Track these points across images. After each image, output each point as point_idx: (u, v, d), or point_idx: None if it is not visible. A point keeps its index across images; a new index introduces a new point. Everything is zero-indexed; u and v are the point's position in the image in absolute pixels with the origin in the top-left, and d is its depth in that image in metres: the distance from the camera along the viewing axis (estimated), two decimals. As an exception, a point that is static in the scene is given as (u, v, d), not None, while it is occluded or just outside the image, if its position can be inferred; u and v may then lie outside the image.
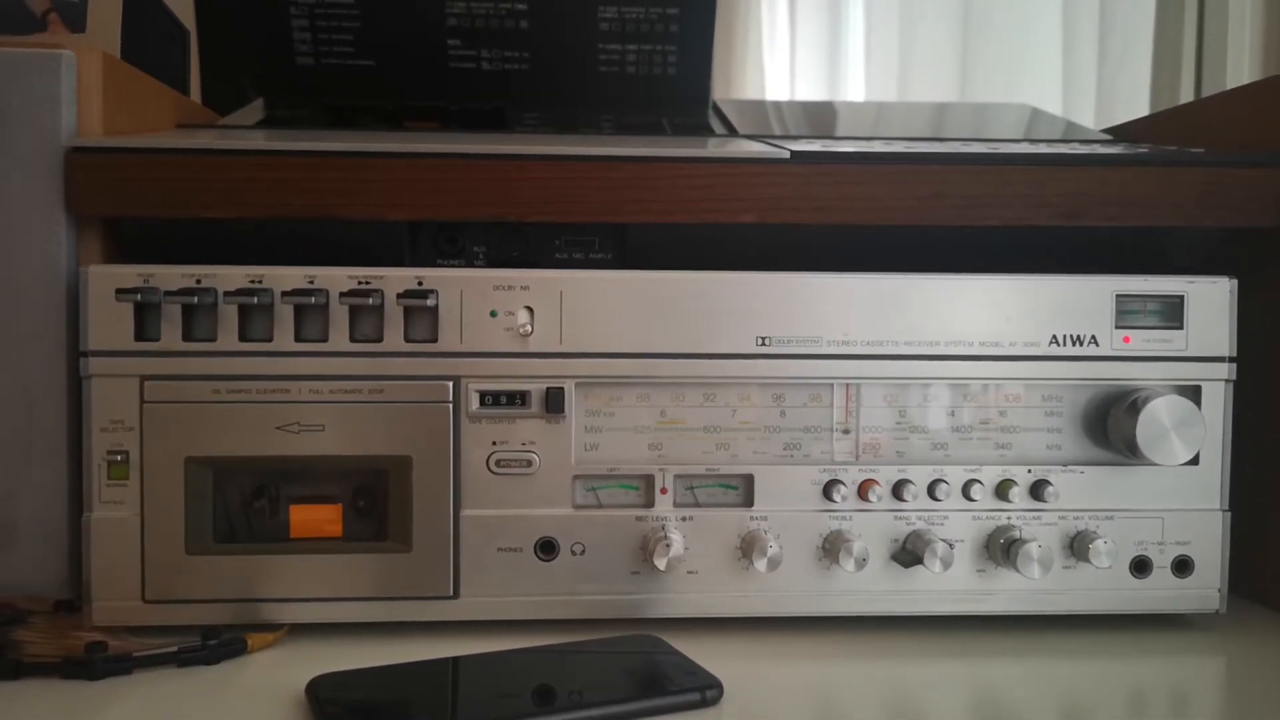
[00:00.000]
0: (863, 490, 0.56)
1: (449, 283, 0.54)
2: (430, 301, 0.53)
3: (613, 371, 0.55)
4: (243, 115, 0.78)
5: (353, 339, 0.54)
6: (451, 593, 0.54)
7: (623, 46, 0.85)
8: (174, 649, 0.50)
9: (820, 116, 0.98)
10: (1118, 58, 1.26)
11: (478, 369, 0.54)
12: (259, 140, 0.61)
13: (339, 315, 0.54)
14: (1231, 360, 0.57)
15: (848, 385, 0.56)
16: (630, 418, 0.56)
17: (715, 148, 0.59)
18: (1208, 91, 1.20)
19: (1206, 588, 0.57)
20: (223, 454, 0.53)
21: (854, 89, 1.34)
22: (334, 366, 0.54)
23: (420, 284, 0.54)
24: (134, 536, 0.53)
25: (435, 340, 0.54)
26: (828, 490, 0.56)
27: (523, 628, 0.54)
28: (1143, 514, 0.57)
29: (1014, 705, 0.48)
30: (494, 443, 0.54)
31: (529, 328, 0.54)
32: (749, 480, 0.56)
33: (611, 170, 0.56)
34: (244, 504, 0.55)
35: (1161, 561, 0.57)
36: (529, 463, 0.55)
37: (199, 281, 0.53)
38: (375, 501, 0.55)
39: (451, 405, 0.54)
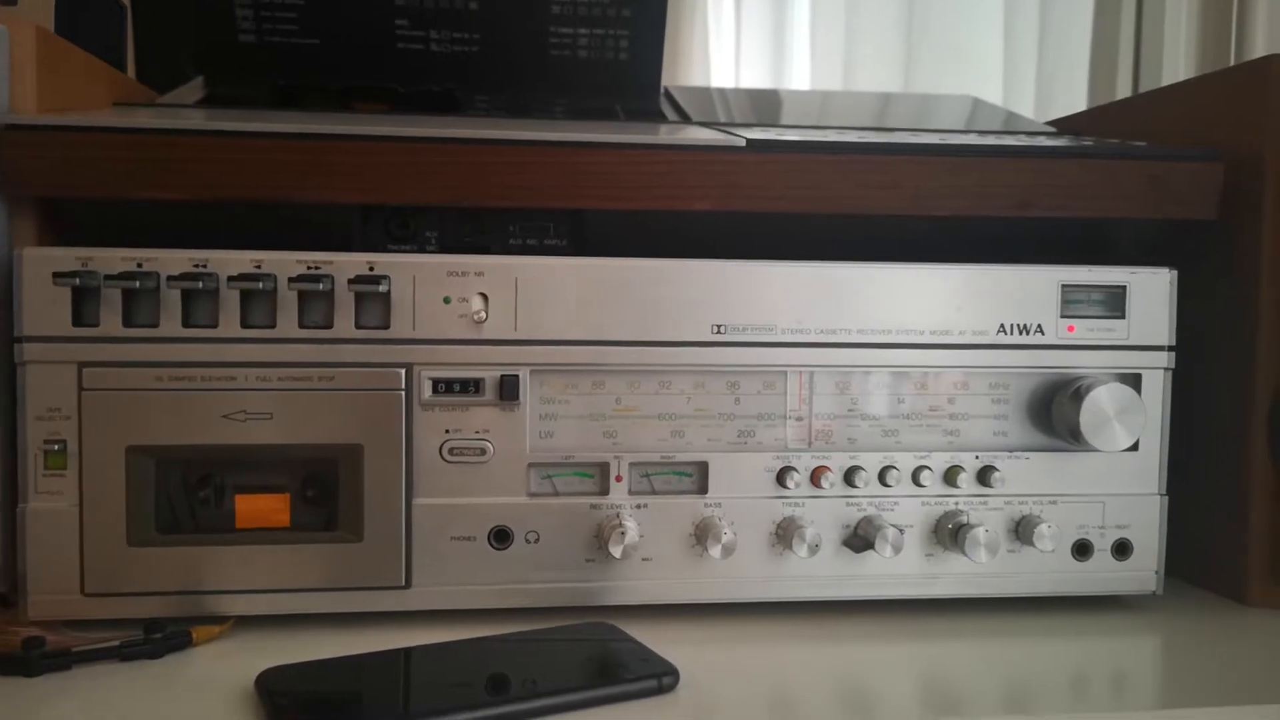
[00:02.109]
0: (815, 477, 0.56)
1: (402, 268, 0.53)
2: (382, 287, 0.52)
3: (568, 359, 0.55)
4: (182, 94, 0.76)
5: (302, 325, 0.53)
6: (404, 582, 0.54)
7: (574, 30, 0.84)
8: (116, 643, 0.49)
9: (768, 104, 0.98)
10: (1056, 51, 1.29)
11: (431, 356, 0.53)
12: (202, 120, 0.59)
13: (287, 301, 0.52)
14: (1171, 349, 0.58)
15: (801, 373, 0.57)
16: (585, 405, 0.56)
17: (672, 134, 0.59)
18: (1145, 87, 1.23)
19: (1144, 570, 0.59)
20: (166, 443, 0.52)
21: (799, 78, 1.34)
22: (282, 353, 0.53)
23: (372, 269, 0.53)
24: (72, 528, 0.51)
25: (387, 327, 0.53)
26: (781, 477, 0.56)
27: (477, 617, 0.54)
28: (1085, 499, 0.58)
29: (961, 686, 0.49)
30: (447, 431, 0.54)
31: (483, 314, 0.53)
32: (703, 467, 0.56)
33: (571, 156, 0.55)
34: (188, 494, 0.53)
35: (1102, 545, 0.58)
36: (483, 451, 0.54)
37: (140, 265, 0.51)
38: (325, 491, 0.54)
39: (404, 393, 0.53)
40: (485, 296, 0.54)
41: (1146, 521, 0.58)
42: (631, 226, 0.59)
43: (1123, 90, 1.24)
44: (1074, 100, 1.29)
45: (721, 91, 1.01)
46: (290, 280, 0.52)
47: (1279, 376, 0.58)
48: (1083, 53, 1.28)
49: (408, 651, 0.49)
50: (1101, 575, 0.58)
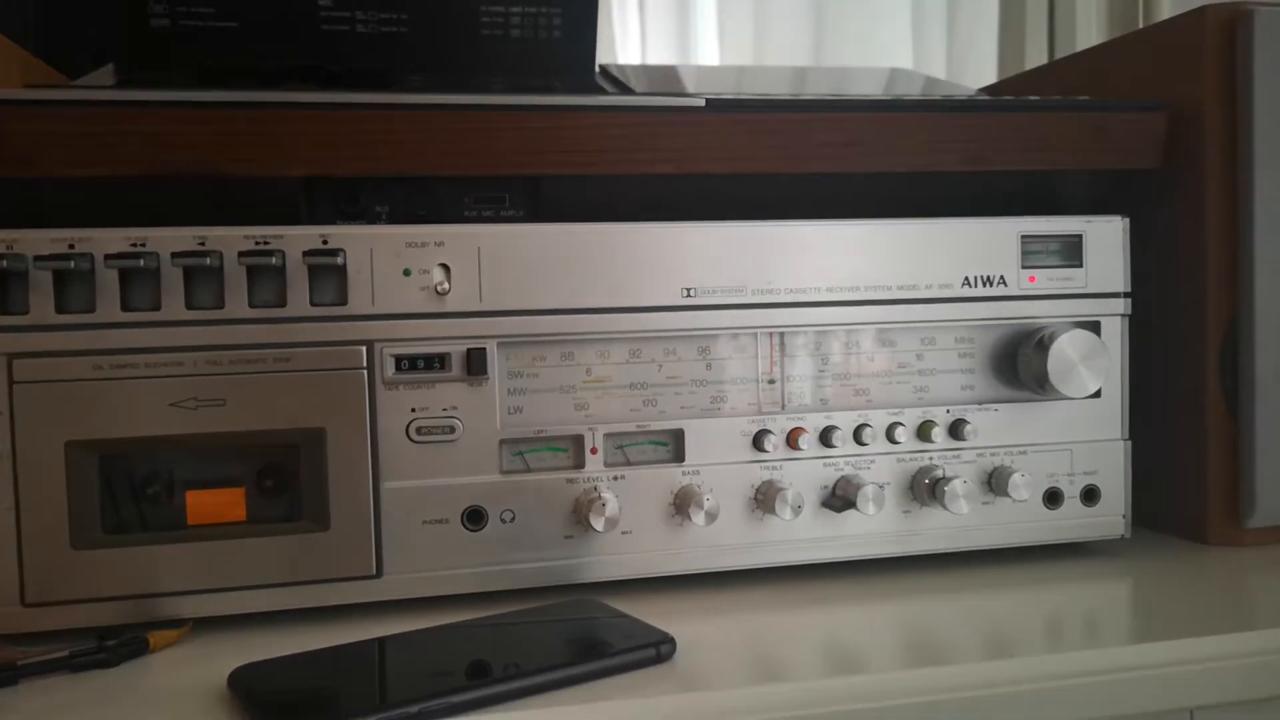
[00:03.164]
0: (792, 439, 0.56)
1: (357, 240, 0.51)
2: (338, 260, 0.50)
3: (535, 329, 0.53)
4: (96, 78, 0.71)
5: (252, 304, 0.50)
6: (374, 572, 0.51)
7: (506, 9, 0.82)
8: (65, 653, 0.45)
9: (693, 80, 0.97)
10: (967, 26, 1.31)
11: (392, 332, 0.51)
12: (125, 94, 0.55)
13: (236, 278, 0.49)
14: (1127, 296, 0.59)
15: (772, 334, 0.56)
16: (555, 377, 0.54)
17: (629, 98, 0.57)
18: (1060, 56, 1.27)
19: (1113, 514, 0.60)
20: (108, 436, 0.48)
21: (707, 53, 1.33)
22: (233, 335, 0.49)
23: (326, 242, 0.50)
24: (8, 533, 0.47)
25: (344, 303, 0.50)
26: (758, 440, 0.55)
27: (454, 603, 0.52)
28: (1053, 447, 0.59)
29: (942, 640, 0.48)
30: (413, 409, 0.51)
31: (446, 286, 0.51)
32: (679, 435, 0.55)
33: (526, 120, 0.54)
34: (136, 490, 0.49)
35: (1071, 492, 0.59)
36: (451, 429, 0.52)
37: (72, 246, 0.48)
38: (285, 480, 0.51)
39: (365, 371, 0.51)
40: (447, 267, 0.51)
41: (1112, 467, 0.59)
42: (591, 194, 0.58)
43: (1033, 63, 1.27)
44: (984, 75, 1.32)
45: (647, 68, 1.00)
46: (240, 255, 0.49)
47: (1228, 319, 0.60)
48: (991, 28, 1.31)
49: (383, 641, 0.47)
50: (1072, 523, 0.59)
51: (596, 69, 0.85)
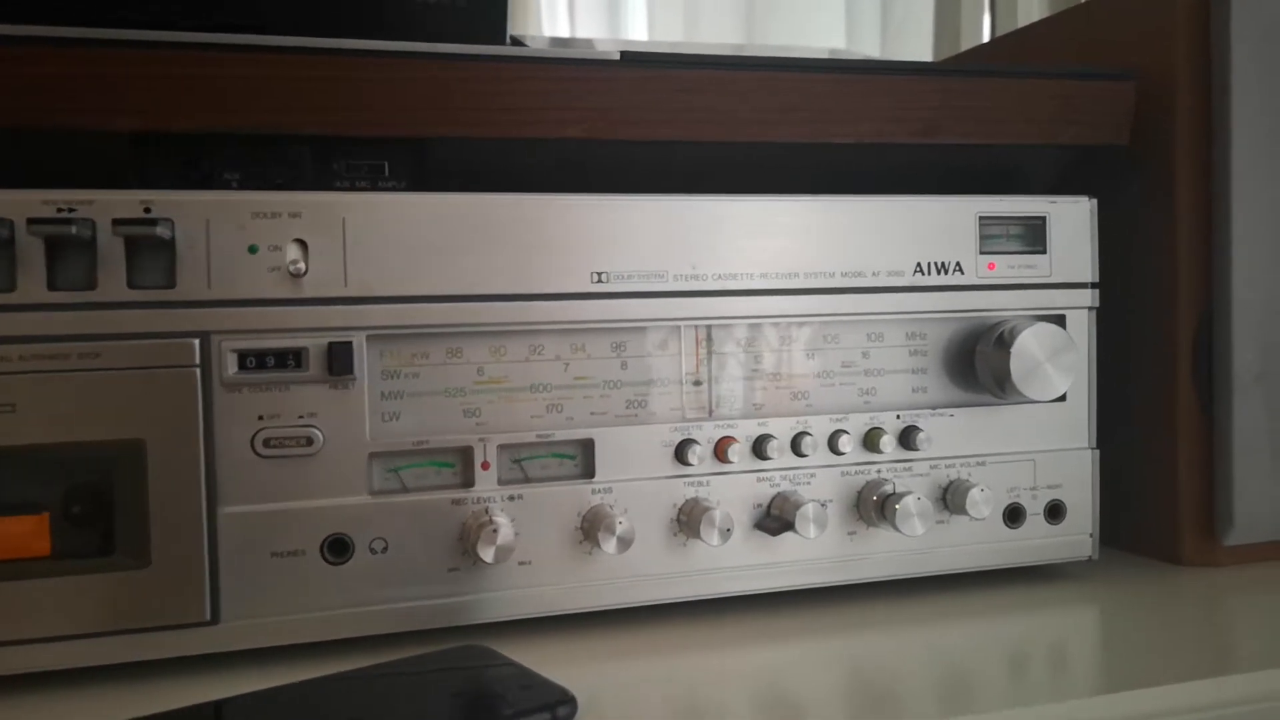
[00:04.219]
0: (720, 450, 0.48)
1: (190, 208, 0.41)
2: (163, 232, 0.40)
3: (414, 320, 0.44)
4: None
5: (52, 286, 0.40)
6: (209, 617, 0.41)
7: (407, -31, 0.73)
8: None
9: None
10: (903, 6, 1.27)
11: (234, 321, 0.42)
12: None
13: (31, 253, 0.39)
14: (1094, 286, 0.53)
15: (697, 328, 0.48)
16: (439, 378, 0.45)
17: (530, 49, 0.49)
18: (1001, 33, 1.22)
19: (1079, 533, 0.53)
20: None
21: (635, 33, 1.26)
22: (25, 324, 0.39)
23: (148, 211, 0.41)
24: None
25: (173, 286, 0.41)
26: (681, 452, 0.47)
27: (311, 654, 0.42)
28: (1014, 457, 0.52)
29: (892, 680, 0.41)
30: (261, 417, 0.42)
31: (301, 266, 0.42)
32: (588, 446, 0.46)
33: (408, 70, 0.45)
34: (-104, 521, 0.39)
35: (1034, 508, 0.52)
36: (309, 440, 0.42)
37: None
38: (97, 505, 0.41)
39: (199, 370, 0.41)
40: (303, 244, 0.42)
41: (1079, 479, 0.53)
42: (485, 162, 0.49)
43: (968, 42, 1.22)
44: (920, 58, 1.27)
45: (570, 41, 0.91)
46: (31, 223, 0.39)
47: (1202, 312, 0.54)
48: (927, 13, 1.26)
49: (219, 705, 0.38)
50: (1035, 543, 0.52)
51: (508, 39, 0.77)
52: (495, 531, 0.43)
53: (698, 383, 0.48)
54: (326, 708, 0.38)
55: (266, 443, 0.42)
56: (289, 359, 0.42)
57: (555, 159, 0.49)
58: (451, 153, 0.48)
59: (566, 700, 0.37)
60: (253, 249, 0.42)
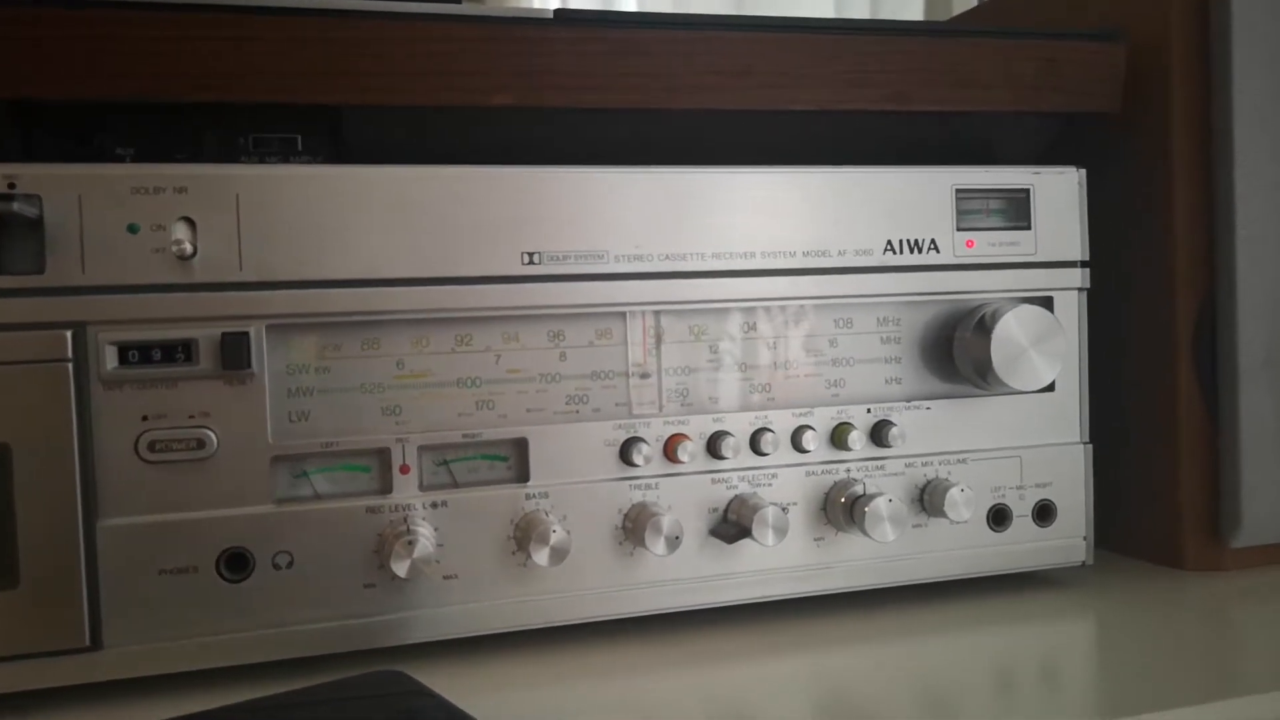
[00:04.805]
0: (670, 449, 0.43)
1: (59, 183, 0.37)
2: (25, 210, 0.35)
3: (320, 307, 0.39)
4: None
5: (-100, 272, 0.35)
6: (88, 642, 0.37)
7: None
8: None
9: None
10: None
11: (113, 310, 0.37)
12: None
13: (-127, 235, 0.35)
14: (1084, 265, 0.48)
15: (644, 314, 0.43)
16: (354, 372, 0.40)
17: (453, 6, 0.44)
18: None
19: (1071, 536, 0.48)
20: None
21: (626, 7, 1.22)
22: None
23: (13, 186, 0.36)
24: None
25: (41, 271, 0.36)
26: (626, 451, 0.42)
27: (205, 682, 0.38)
28: (998, 454, 0.47)
29: (863, 702, 0.36)
30: (145, 417, 0.37)
31: (189, 247, 0.37)
32: (522, 446, 0.42)
33: (318, 28, 0.40)
34: None
35: (1021, 509, 0.47)
36: (201, 443, 0.38)
37: None
38: (-41, 518, 0.36)
39: (72, 365, 0.37)
40: (192, 222, 0.38)
41: (1070, 476, 0.48)
42: (407, 135, 0.45)
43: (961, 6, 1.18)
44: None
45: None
46: None
47: (1203, 297, 0.49)
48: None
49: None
50: (1022, 547, 0.48)
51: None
52: (411, 544, 0.38)
53: (645, 375, 0.44)
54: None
55: (152, 446, 0.37)
56: (177, 352, 0.38)
57: (490, 134, 0.45)
58: (370, 126, 0.44)
59: (480, 736, 0.33)
60: (133, 228, 0.37)
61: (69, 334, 0.36)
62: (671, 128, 0.46)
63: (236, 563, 0.38)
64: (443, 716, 0.34)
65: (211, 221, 0.38)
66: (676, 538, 0.41)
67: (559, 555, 0.40)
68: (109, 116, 0.42)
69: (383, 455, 0.40)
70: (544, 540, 0.40)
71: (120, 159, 0.42)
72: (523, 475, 0.42)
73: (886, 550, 0.45)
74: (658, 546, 0.41)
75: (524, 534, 0.41)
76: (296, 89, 0.40)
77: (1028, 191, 0.47)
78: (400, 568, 0.38)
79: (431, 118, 0.43)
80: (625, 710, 0.36)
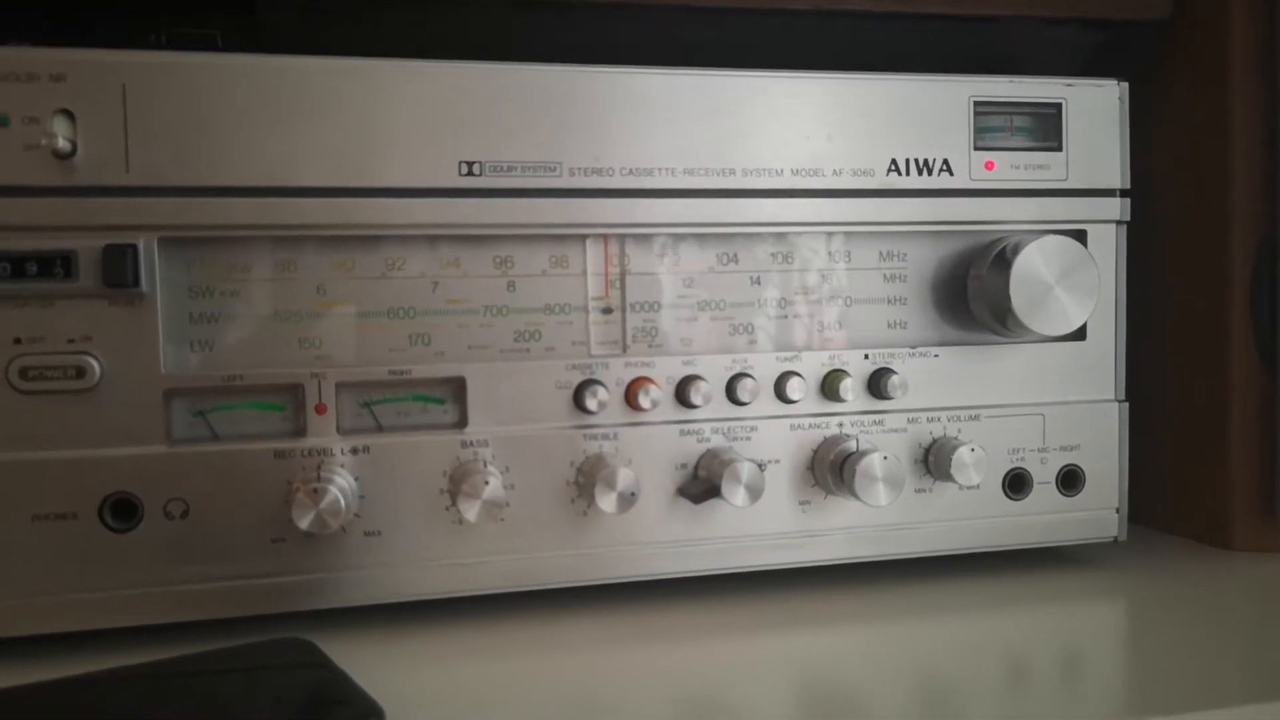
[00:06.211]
0: (631, 394, 0.37)
1: (-87, 65, 0.32)
2: None
3: (220, 218, 0.34)
4: None
5: None
6: (-54, 596, 0.32)
7: None
8: None
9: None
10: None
11: (-22, 215, 0.32)
12: None
13: None
14: (1124, 194, 0.42)
15: (607, 237, 0.38)
16: (266, 297, 0.35)
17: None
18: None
19: (1101, 508, 0.42)
20: None
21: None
22: None
23: None
24: None
25: (-107, 167, 0.32)
26: (580, 396, 0.37)
27: (85, 645, 0.33)
28: (1017, 410, 0.41)
29: (853, 692, 0.31)
30: (18, 340, 0.33)
31: (67, 145, 0.32)
32: (460, 387, 0.36)
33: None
34: None
35: (1043, 475, 0.41)
36: (81, 371, 0.33)
37: None
38: None
39: (-72, 277, 0.32)
40: (71, 115, 0.33)
41: (1101, 439, 0.42)
42: (335, 26, 0.39)
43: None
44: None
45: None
46: None
47: (1262, 237, 0.43)
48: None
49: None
50: (1043, 519, 0.41)
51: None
52: (317, 491, 0.33)
53: (608, 310, 0.38)
54: (94, 713, 0.28)
55: (24, 373, 0.33)
56: (55, 265, 0.33)
57: (429, 29, 0.39)
58: (296, 20, 0.38)
59: (371, 715, 0.27)
60: (2, 121, 0.32)
61: (-76, 240, 0.32)
62: (647, 24, 0.40)
63: (122, 510, 0.33)
64: (339, 695, 0.29)
65: (94, 116, 0.33)
66: (631, 494, 0.35)
67: (495, 508, 0.34)
68: (3, 13, 0.37)
69: (295, 392, 0.35)
70: (474, 493, 0.34)
71: (11, 52, 0.37)
72: (461, 420, 0.36)
73: (883, 518, 0.39)
74: (608, 503, 0.35)
75: (456, 486, 0.35)
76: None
77: (1059, 106, 0.41)
78: (303, 519, 0.33)
79: (366, 8, 0.38)
80: (570, 688, 0.31)
